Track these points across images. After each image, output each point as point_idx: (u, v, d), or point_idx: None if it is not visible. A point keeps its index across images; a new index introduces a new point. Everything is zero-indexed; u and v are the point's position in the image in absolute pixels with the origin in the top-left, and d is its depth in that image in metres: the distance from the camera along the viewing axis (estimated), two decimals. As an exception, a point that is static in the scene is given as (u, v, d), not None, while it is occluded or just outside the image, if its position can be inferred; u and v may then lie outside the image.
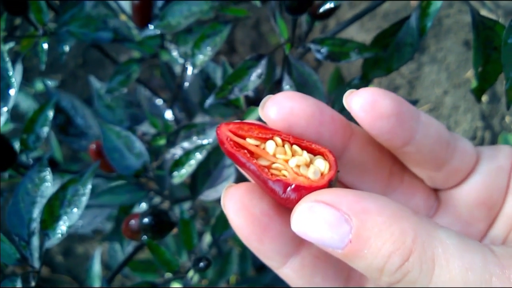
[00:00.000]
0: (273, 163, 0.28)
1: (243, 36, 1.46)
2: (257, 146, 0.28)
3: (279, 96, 0.29)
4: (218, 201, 0.92)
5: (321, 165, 0.28)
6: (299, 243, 0.30)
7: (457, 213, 0.33)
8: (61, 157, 0.86)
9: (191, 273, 0.54)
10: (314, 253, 0.31)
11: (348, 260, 0.26)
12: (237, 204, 0.28)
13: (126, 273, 0.93)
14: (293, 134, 0.29)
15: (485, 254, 0.25)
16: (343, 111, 0.64)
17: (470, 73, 1.40)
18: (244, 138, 0.28)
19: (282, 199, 0.27)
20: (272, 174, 0.27)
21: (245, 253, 0.92)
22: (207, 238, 0.87)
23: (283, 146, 0.28)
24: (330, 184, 0.27)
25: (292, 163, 0.28)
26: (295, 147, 0.28)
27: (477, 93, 0.54)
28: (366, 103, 0.29)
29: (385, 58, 0.54)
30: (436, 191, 0.35)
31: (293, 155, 0.28)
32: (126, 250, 0.91)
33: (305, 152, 0.28)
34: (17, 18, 1.46)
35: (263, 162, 0.28)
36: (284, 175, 0.28)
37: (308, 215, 0.26)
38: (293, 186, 0.27)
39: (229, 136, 0.28)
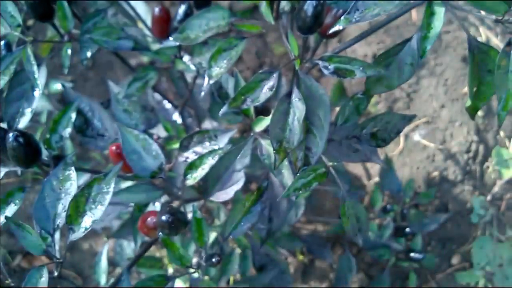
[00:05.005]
0: None
1: (249, 44, 1.50)
2: None
3: None
4: (224, 203, 0.96)
5: None
6: None
7: None
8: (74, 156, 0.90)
9: (199, 271, 0.57)
10: None
11: None
12: None
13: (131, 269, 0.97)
14: None
15: None
16: (346, 122, 0.68)
17: (467, 89, 1.45)
18: None
19: None
20: None
21: (246, 254, 0.95)
22: (211, 238, 0.91)
23: None
24: None
25: None
26: None
27: (471, 111, 0.59)
28: None
29: (387, 76, 0.58)
30: None
31: None
32: (132, 247, 0.95)
33: None
34: (29, 19, 1.50)
35: None
36: None
37: None
38: None
39: None
